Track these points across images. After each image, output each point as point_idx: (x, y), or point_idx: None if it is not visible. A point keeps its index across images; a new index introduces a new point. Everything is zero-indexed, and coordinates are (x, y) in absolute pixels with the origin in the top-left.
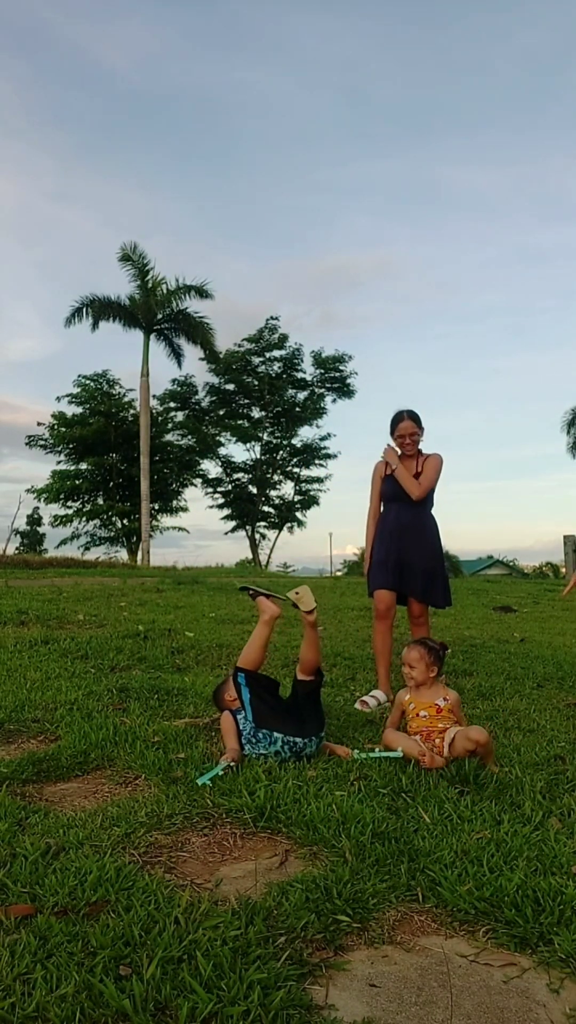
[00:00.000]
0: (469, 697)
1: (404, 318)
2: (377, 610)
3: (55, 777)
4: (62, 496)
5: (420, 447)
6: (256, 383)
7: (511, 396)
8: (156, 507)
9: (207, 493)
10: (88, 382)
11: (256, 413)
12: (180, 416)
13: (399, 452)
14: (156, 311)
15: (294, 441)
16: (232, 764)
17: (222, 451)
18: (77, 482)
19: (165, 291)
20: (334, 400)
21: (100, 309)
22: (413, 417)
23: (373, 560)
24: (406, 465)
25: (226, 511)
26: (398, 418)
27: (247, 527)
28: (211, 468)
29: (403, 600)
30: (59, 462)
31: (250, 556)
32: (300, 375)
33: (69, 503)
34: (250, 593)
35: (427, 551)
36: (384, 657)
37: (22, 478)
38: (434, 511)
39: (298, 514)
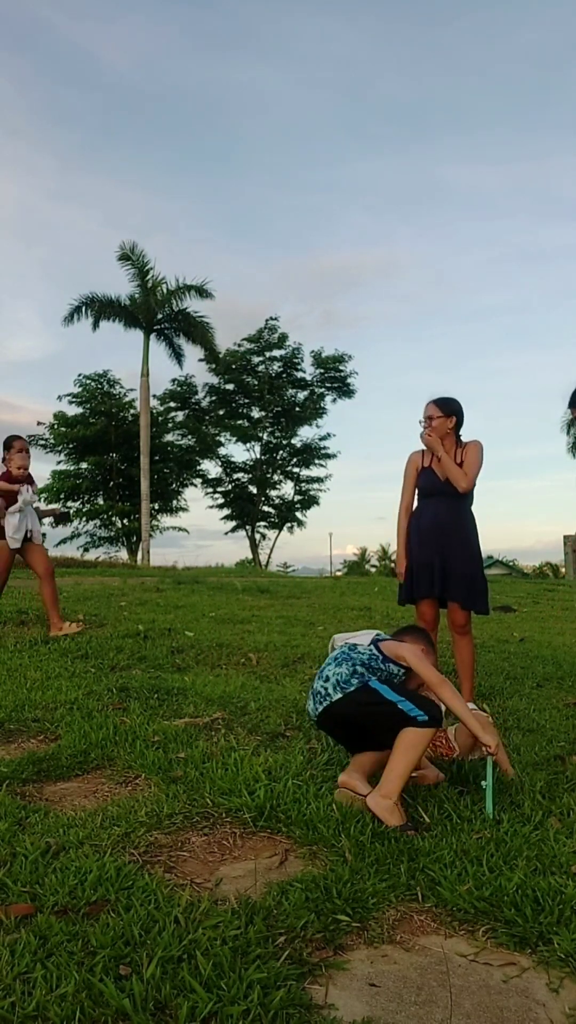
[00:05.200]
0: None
1: (404, 318)
2: (423, 623)
3: (55, 777)
4: (62, 496)
5: (462, 437)
6: (256, 383)
7: (511, 396)
8: (156, 507)
9: (207, 493)
10: (89, 382)
11: (256, 413)
12: (180, 416)
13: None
14: (156, 311)
15: (294, 441)
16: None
17: (222, 451)
18: (77, 482)
19: (165, 291)
20: (334, 400)
21: (100, 309)
22: (437, 401)
23: (412, 563)
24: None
25: (226, 511)
26: (426, 404)
27: (247, 527)
28: (211, 468)
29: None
30: (59, 462)
31: (250, 556)
32: (300, 375)
33: (69, 503)
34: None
35: (469, 553)
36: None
37: None
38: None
39: (298, 514)
